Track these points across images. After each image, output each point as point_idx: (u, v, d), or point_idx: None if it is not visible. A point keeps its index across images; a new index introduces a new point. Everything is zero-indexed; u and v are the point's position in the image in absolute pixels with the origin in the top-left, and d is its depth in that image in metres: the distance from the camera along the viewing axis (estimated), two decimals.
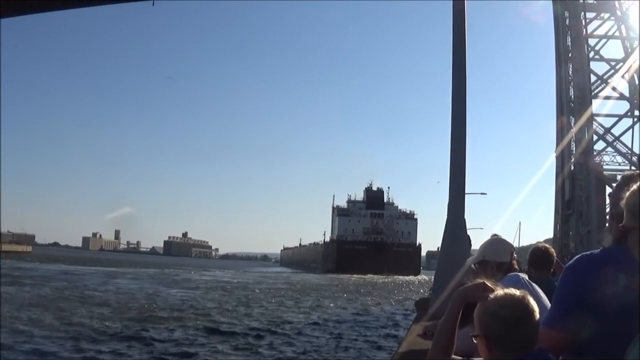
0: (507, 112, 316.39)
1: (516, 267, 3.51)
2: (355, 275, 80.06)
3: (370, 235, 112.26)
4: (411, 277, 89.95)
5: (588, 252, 2.44)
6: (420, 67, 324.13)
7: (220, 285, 45.46)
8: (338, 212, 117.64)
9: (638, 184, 1.66)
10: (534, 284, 3.32)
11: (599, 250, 2.38)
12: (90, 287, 34.61)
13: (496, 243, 3.62)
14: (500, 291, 2.05)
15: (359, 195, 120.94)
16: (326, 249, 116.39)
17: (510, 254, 3.50)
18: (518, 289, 2.06)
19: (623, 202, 1.71)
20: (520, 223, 52.94)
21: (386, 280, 76.21)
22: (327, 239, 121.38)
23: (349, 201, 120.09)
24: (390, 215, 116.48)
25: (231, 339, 17.59)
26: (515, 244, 47.96)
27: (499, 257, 3.47)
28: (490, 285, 2.12)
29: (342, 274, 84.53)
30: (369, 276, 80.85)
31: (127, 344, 15.58)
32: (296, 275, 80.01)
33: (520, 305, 1.98)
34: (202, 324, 20.31)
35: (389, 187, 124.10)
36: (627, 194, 1.69)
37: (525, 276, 3.44)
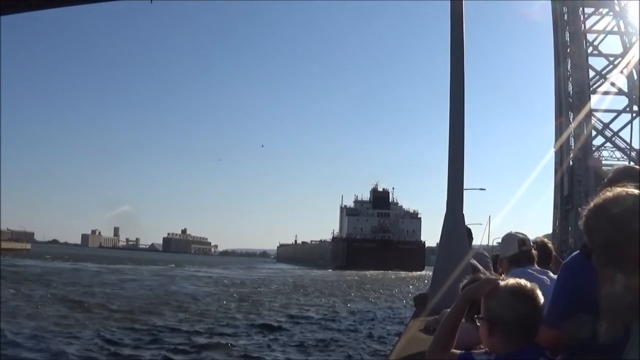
0: (507, 108, 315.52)
1: (533, 252, 3.73)
2: (369, 271, 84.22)
3: (377, 233, 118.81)
4: (416, 273, 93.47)
5: None
6: (424, 68, 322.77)
7: (247, 282, 46.08)
8: (347, 212, 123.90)
9: (592, 203, 1.55)
10: (549, 272, 3.54)
11: None
12: (108, 285, 34.05)
13: (503, 241, 3.98)
14: (512, 280, 2.13)
15: (365, 196, 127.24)
16: (336, 246, 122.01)
17: (517, 241, 3.76)
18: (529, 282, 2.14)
19: (581, 222, 1.58)
20: (490, 217, 51.32)
21: (394, 275, 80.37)
22: (335, 236, 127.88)
23: (356, 201, 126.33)
24: (395, 214, 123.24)
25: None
26: (485, 241, 46.01)
27: (508, 252, 3.79)
28: (495, 280, 2.19)
29: (353, 269, 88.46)
30: (379, 272, 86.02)
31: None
32: (311, 272, 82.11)
33: (528, 298, 2.05)
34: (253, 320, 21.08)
35: (393, 188, 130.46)
36: (584, 213, 1.59)
37: (535, 268, 3.58)
